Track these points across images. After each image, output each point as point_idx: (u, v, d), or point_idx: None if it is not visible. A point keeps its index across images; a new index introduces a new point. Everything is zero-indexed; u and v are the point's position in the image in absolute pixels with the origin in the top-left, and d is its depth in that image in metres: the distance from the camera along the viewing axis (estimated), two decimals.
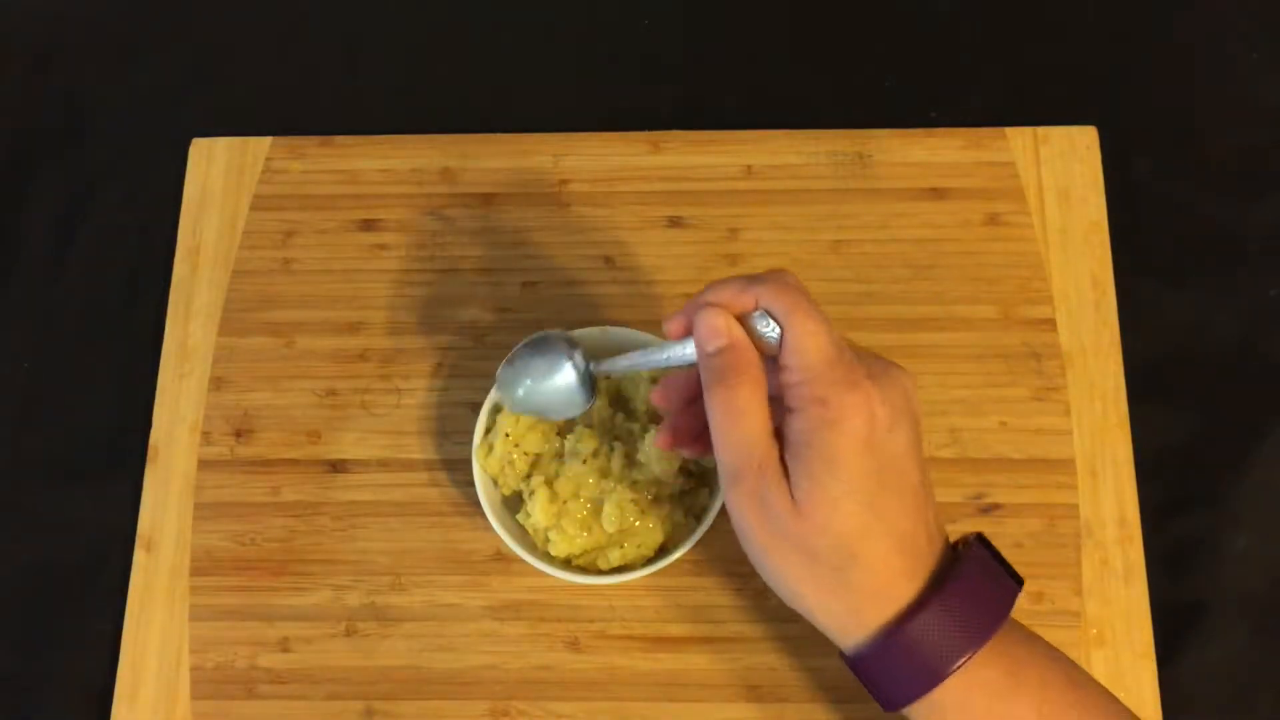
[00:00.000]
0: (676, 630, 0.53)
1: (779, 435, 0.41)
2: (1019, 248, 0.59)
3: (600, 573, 0.51)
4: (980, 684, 0.40)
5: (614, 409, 0.53)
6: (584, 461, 0.50)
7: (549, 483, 0.51)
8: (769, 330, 0.41)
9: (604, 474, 0.50)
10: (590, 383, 0.48)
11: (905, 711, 0.41)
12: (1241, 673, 0.53)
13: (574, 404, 0.48)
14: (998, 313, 0.58)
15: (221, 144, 0.63)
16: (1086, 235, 0.59)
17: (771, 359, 0.41)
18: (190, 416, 0.58)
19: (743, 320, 0.41)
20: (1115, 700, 0.42)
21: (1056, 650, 0.43)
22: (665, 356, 0.44)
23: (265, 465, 0.57)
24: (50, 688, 0.55)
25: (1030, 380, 0.56)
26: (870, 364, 0.41)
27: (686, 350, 0.43)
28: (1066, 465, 0.55)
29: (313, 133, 0.63)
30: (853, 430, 0.39)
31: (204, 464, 0.57)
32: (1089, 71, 0.63)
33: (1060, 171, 0.60)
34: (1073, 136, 0.61)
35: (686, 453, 0.46)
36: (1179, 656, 0.53)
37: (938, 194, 0.60)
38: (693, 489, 0.52)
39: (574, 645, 0.53)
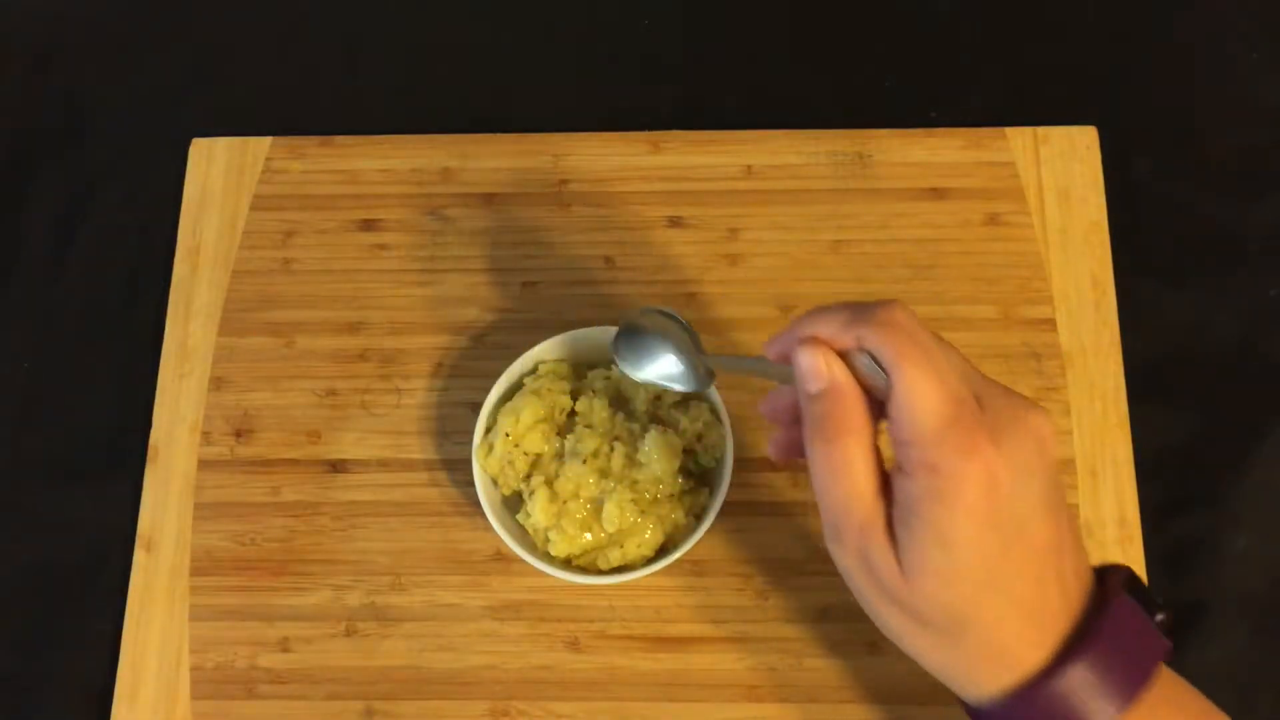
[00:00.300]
0: (676, 630, 0.54)
1: (887, 487, 0.37)
2: (1019, 248, 0.59)
3: (600, 573, 0.51)
4: None
5: (614, 409, 0.53)
6: (584, 461, 0.50)
7: (549, 483, 0.51)
8: (875, 372, 0.37)
9: (604, 474, 0.51)
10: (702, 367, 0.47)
11: None
12: (1241, 672, 0.53)
13: (690, 382, 0.47)
14: (998, 313, 0.58)
15: (222, 144, 0.63)
16: (1086, 235, 0.59)
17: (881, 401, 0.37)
18: (190, 416, 0.58)
19: (848, 357, 0.38)
20: None
21: (1213, 709, 0.39)
22: (767, 370, 0.41)
23: (265, 465, 0.57)
24: (50, 687, 0.55)
25: (1030, 380, 0.56)
26: (997, 411, 0.36)
27: (777, 369, 0.40)
28: (1066, 465, 0.55)
29: (313, 133, 0.63)
30: (968, 505, 0.35)
31: (204, 464, 0.57)
32: (1089, 71, 0.63)
33: (1060, 171, 0.60)
34: (1073, 136, 0.61)
35: (782, 460, 0.43)
36: (1178, 656, 0.52)
37: (938, 194, 0.60)
38: (693, 489, 0.52)
39: (574, 645, 0.54)
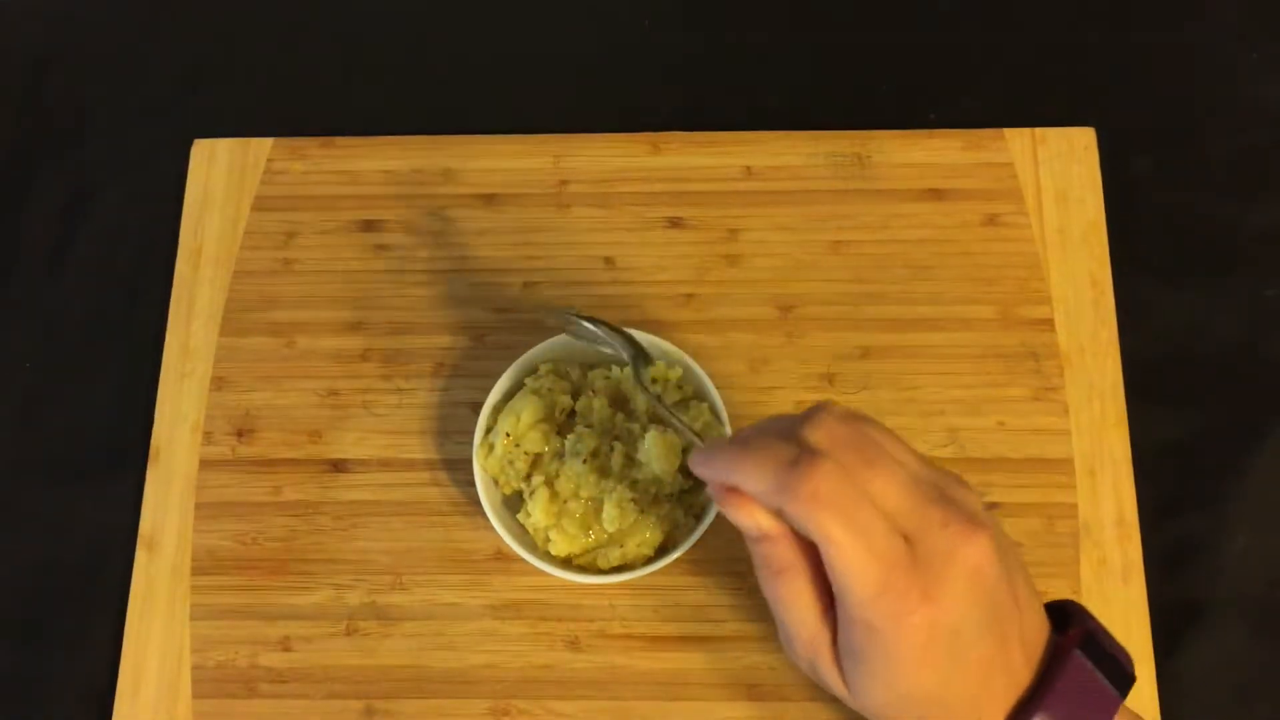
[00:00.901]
0: (677, 629, 0.54)
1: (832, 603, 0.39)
2: (1017, 248, 0.59)
3: (600, 572, 0.51)
4: None
5: (614, 409, 0.53)
6: (584, 461, 0.51)
7: (549, 482, 0.51)
8: None
9: (604, 474, 0.51)
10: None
11: None
12: (1240, 672, 0.53)
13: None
14: (996, 313, 0.58)
15: (223, 145, 0.63)
16: (1085, 235, 0.59)
17: None
18: (192, 416, 0.58)
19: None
20: None
21: None
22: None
23: (266, 465, 0.57)
24: (52, 687, 0.55)
25: (1029, 380, 0.57)
26: (930, 553, 0.37)
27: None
28: (1065, 465, 0.55)
29: (314, 134, 0.63)
30: (905, 656, 0.37)
31: (205, 464, 0.57)
32: (1087, 72, 0.64)
33: (1058, 172, 0.60)
34: (1071, 137, 0.61)
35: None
36: (1177, 656, 0.53)
37: (937, 195, 0.60)
38: (692, 489, 0.52)
39: (574, 644, 0.54)
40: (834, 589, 0.37)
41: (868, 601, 0.36)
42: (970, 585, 0.37)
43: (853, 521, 0.36)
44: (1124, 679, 0.39)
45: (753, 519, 0.39)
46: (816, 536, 0.36)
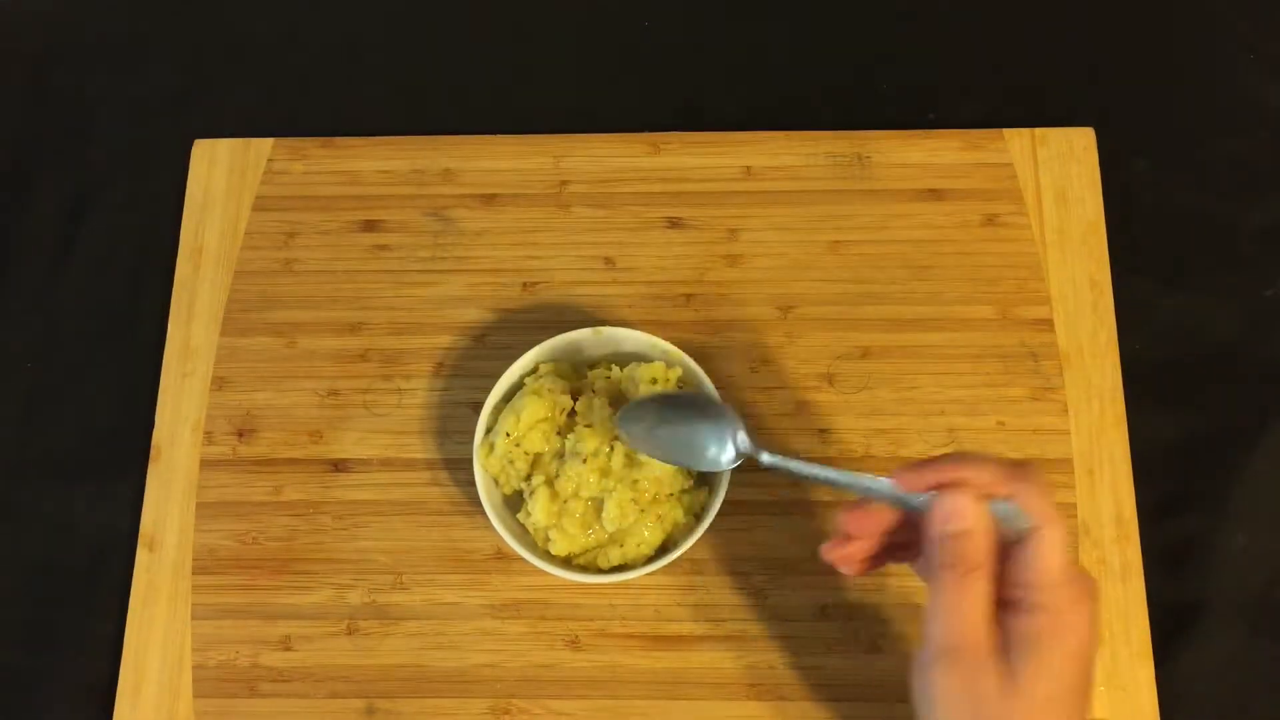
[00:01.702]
0: (677, 629, 0.54)
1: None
2: (1017, 248, 0.59)
3: (600, 571, 0.51)
4: None
5: (614, 409, 0.53)
6: (584, 461, 0.51)
7: (550, 482, 0.51)
8: (1011, 519, 0.41)
9: (604, 473, 0.51)
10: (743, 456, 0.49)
11: None
12: (1238, 671, 0.53)
13: (716, 464, 0.49)
14: (996, 313, 0.58)
15: (224, 145, 0.63)
16: (1084, 236, 0.59)
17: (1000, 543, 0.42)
18: (193, 416, 0.58)
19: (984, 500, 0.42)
20: None
21: None
22: (869, 487, 0.44)
23: (267, 465, 0.57)
24: (53, 686, 0.55)
25: (1028, 380, 0.57)
26: (1085, 579, 0.42)
27: (902, 495, 0.43)
28: (1064, 465, 0.55)
29: (314, 134, 0.63)
30: (1076, 644, 0.40)
31: (206, 463, 0.57)
32: (1086, 73, 0.64)
33: (1058, 173, 0.60)
34: (1070, 138, 0.61)
35: (848, 571, 0.46)
36: (1176, 655, 0.53)
37: (936, 195, 0.60)
38: (692, 489, 0.52)
39: (574, 644, 0.54)
40: (1029, 573, 0.41)
41: (1061, 584, 0.40)
42: (1099, 616, 0.43)
43: (1061, 518, 0.41)
44: None
45: (975, 510, 0.41)
46: (1041, 517, 0.41)
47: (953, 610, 0.41)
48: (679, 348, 0.53)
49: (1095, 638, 0.42)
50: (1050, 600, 0.40)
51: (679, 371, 0.53)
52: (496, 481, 0.53)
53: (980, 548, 0.41)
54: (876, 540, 0.45)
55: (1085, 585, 0.42)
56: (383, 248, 0.61)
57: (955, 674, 0.40)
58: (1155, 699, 0.52)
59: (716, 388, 0.52)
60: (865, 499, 0.45)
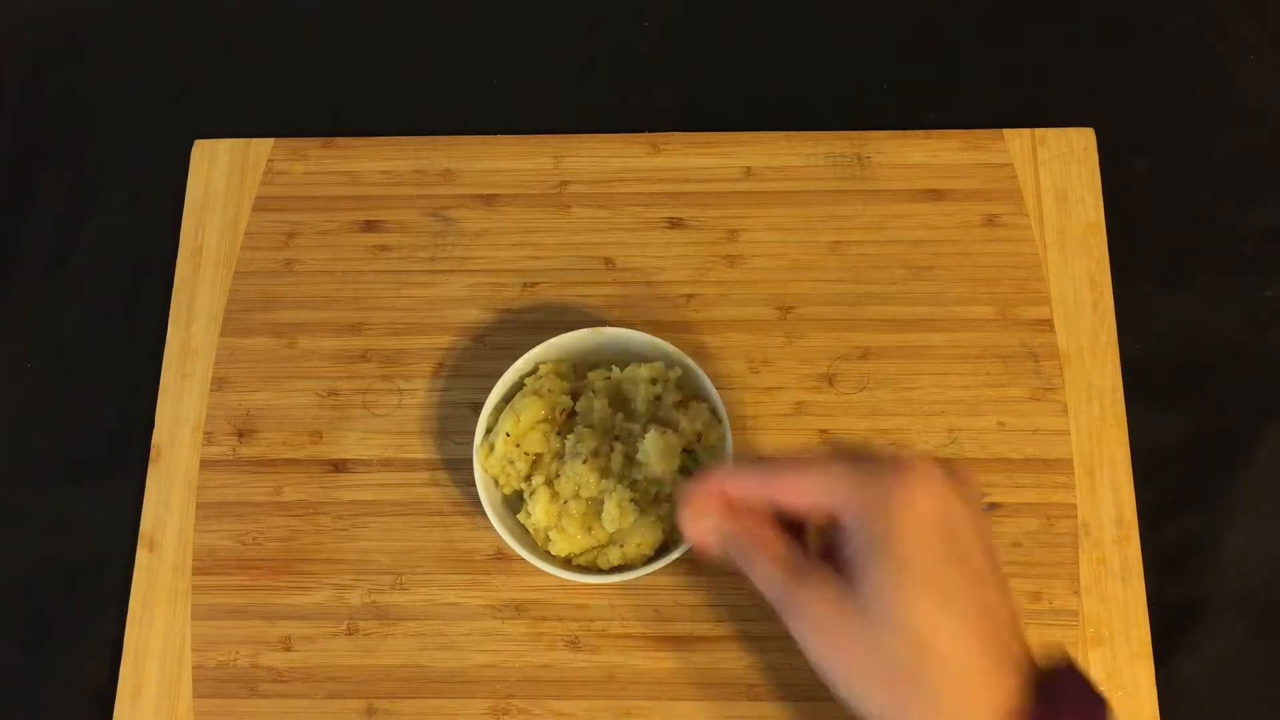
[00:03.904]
0: (677, 629, 0.54)
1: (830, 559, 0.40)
2: (1017, 249, 0.59)
3: (600, 572, 0.51)
4: None
5: (614, 409, 0.53)
6: (584, 461, 0.51)
7: (549, 482, 0.51)
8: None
9: (604, 474, 0.51)
10: None
11: None
12: (1239, 672, 0.53)
13: None
14: (996, 313, 0.58)
15: (224, 145, 0.63)
16: (1084, 236, 0.59)
17: None
18: (193, 416, 0.58)
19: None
20: None
21: None
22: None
23: (267, 465, 0.57)
24: (53, 686, 0.55)
25: (1028, 381, 0.57)
26: (899, 457, 0.40)
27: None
28: (1064, 465, 0.55)
29: (314, 134, 0.63)
30: (916, 508, 0.38)
31: (206, 464, 0.57)
32: (1087, 73, 0.64)
33: (1058, 173, 0.60)
34: (1070, 138, 0.61)
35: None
36: (1177, 656, 0.53)
37: (936, 195, 0.60)
38: None
39: (574, 644, 0.54)
40: (833, 516, 0.40)
41: (854, 485, 0.39)
42: (966, 485, 0.39)
43: (800, 466, 0.40)
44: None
45: (707, 540, 0.42)
46: (783, 498, 0.41)
47: (752, 576, 0.41)
48: (679, 348, 0.53)
49: (954, 497, 0.38)
50: (862, 500, 0.38)
51: (679, 372, 0.53)
52: (496, 482, 0.53)
53: (746, 543, 0.41)
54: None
55: (897, 457, 0.39)
56: (383, 248, 0.61)
57: (794, 620, 0.40)
58: (1155, 699, 0.52)
59: (716, 388, 0.52)
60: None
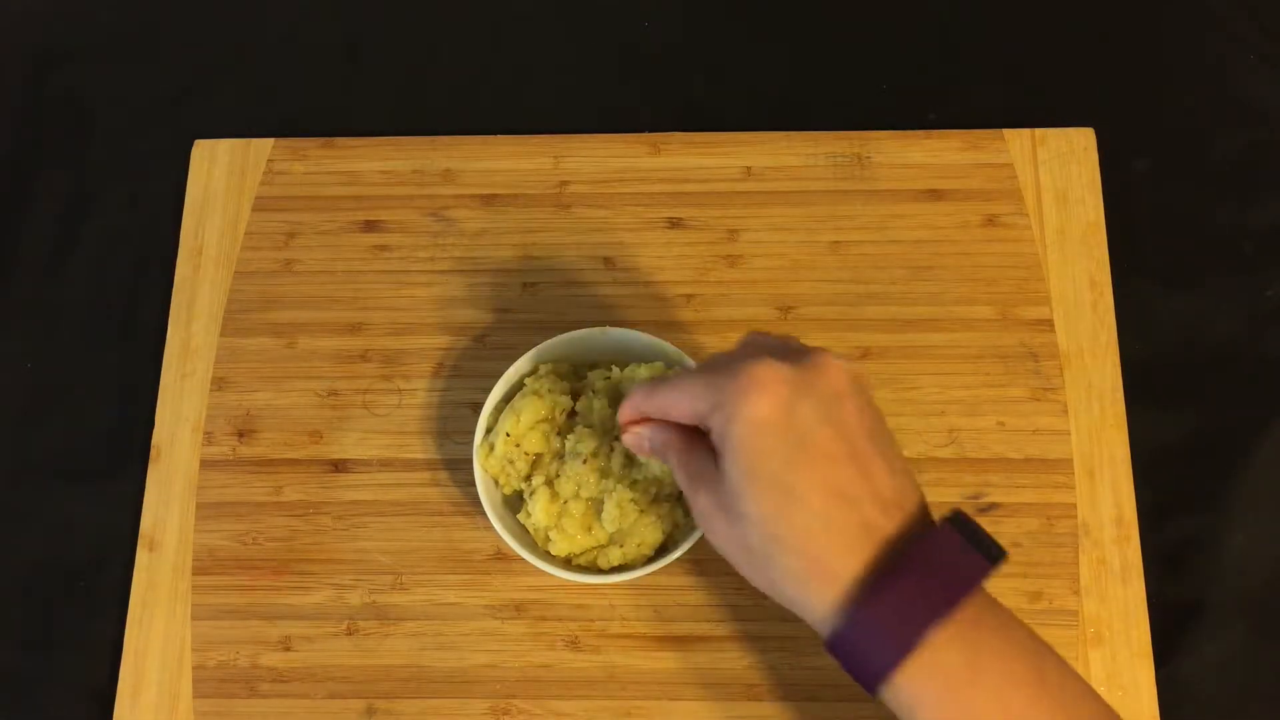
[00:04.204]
0: (677, 629, 0.54)
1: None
2: (1017, 249, 0.59)
3: (600, 572, 0.51)
4: (937, 670, 0.38)
5: (614, 409, 0.53)
6: (584, 461, 0.51)
7: (549, 482, 0.51)
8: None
9: (604, 474, 0.51)
10: None
11: (881, 698, 0.40)
12: (1239, 672, 0.53)
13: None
14: (996, 313, 0.58)
15: (224, 145, 0.63)
16: (1084, 236, 0.59)
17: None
18: (192, 416, 0.58)
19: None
20: (1090, 699, 0.40)
21: (1035, 640, 0.41)
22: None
23: (267, 465, 0.57)
24: (53, 686, 0.55)
25: (1028, 381, 0.57)
26: (786, 353, 0.42)
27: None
28: (1064, 465, 0.55)
29: (314, 134, 0.63)
30: (741, 420, 0.40)
31: (206, 464, 0.57)
32: (1087, 73, 0.64)
33: (1058, 173, 0.60)
34: (1070, 138, 0.61)
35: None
36: (1177, 656, 0.53)
37: (936, 195, 0.60)
38: None
39: (574, 644, 0.54)
40: (686, 419, 0.44)
41: (696, 391, 0.42)
42: (813, 372, 0.41)
43: (652, 389, 0.45)
44: (995, 553, 0.40)
45: (639, 440, 0.47)
46: (650, 413, 0.45)
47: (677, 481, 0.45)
48: (679, 348, 0.53)
49: (791, 392, 0.40)
50: (709, 408, 0.41)
51: (679, 372, 0.53)
52: (496, 482, 0.53)
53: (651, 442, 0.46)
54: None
55: (733, 360, 0.41)
56: (383, 248, 0.61)
57: (697, 518, 0.44)
58: (1155, 699, 0.52)
59: None
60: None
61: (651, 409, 0.45)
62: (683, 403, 0.43)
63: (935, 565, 0.39)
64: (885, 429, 0.42)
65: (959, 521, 0.41)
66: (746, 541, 0.41)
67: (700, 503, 0.43)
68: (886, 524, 0.40)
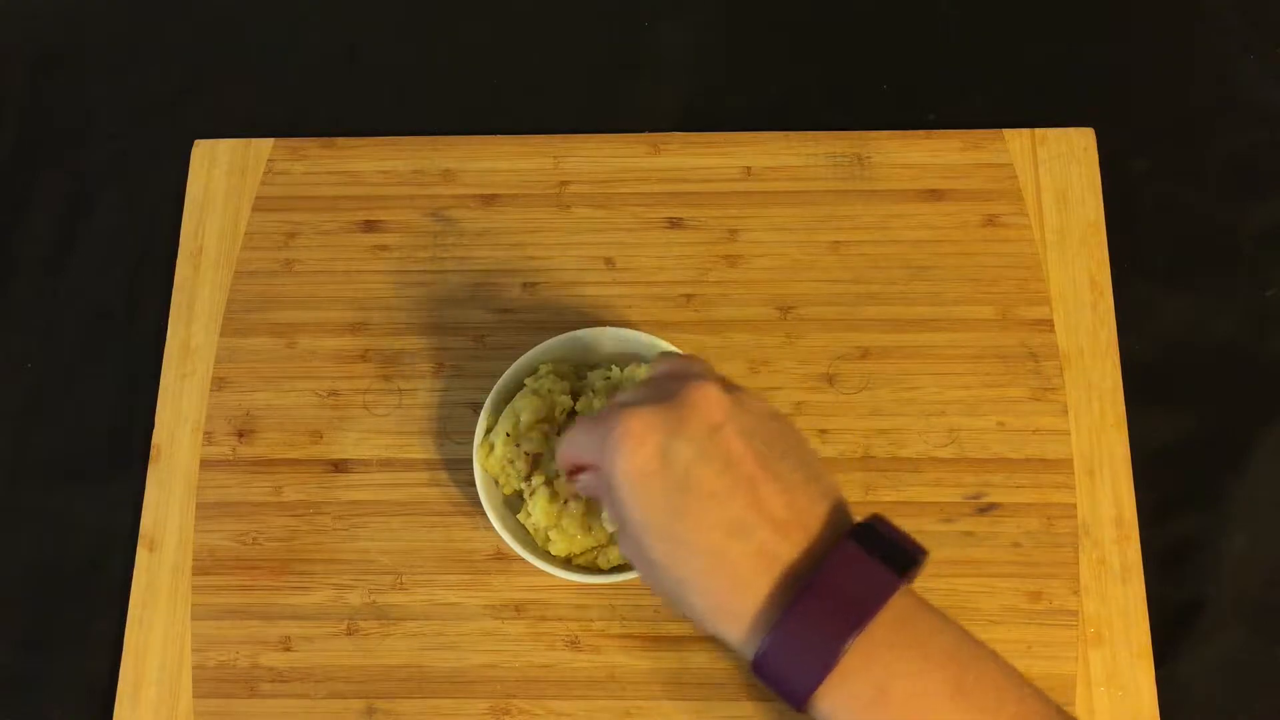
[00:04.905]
0: (677, 629, 0.54)
1: None
2: (1017, 249, 0.59)
3: (600, 572, 0.51)
4: (848, 694, 0.38)
5: None
6: None
7: (549, 482, 0.51)
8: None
9: None
10: None
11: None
12: (1238, 671, 0.53)
13: None
14: (996, 313, 0.58)
15: (224, 145, 0.63)
16: (1084, 236, 0.59)
17: None
18: (193, 417, 0.58)
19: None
20: (1015, 702, 0.38)
21: (961, 647, 0.39)
22: None
23: (267, 465, 0.57)
24: (53, 686, 0.55)
25: (1028, 381, 0.57)
26: (659, 395, 0.41)
27: None
28: (1064, 465, 0.55)
29: (315, 134, 0.63)
30: (619, 475, 0.40)
31: (206, 464, 0.57)
32: (1087, 73, 0.64)
33: (1058, 173, 0.60)
34: (1070, 138, 0.61)
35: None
36: (1177, 656, 0.53)
37: (936, 195, 0.60)
38: None
39: (574, 644, 0.54)
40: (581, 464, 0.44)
41: (570, 442, 0.44)
42: (680, 408, 0.40)
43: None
44: (907, 563, 0.39)
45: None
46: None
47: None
48: (679, 348, 0.53)
49: (661, 438, 0.39)
50: (604, 473, 0.41)
51: None
52: (496, 482, 0.53)
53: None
54: None
55: (614, 415, 0.40)
56: (383, 248, 0.61)
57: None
58: (1155, 699, 0.52)
59: None
60: None
61: (562, 461, 0.46)
62: (578, 455, 0.44)
63: (837, 586, 0.38)
64: (784, 441, 0.41)
65: (866, 532, 0.39)
66: (659, 587, 0.41)
67: (622, 549, 0.44)
68: (786, 549, 0.39)
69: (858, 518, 0.41)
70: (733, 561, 0.39)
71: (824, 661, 0.37)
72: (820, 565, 0.38)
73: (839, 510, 0.40)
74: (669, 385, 0.41)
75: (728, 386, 0.42)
